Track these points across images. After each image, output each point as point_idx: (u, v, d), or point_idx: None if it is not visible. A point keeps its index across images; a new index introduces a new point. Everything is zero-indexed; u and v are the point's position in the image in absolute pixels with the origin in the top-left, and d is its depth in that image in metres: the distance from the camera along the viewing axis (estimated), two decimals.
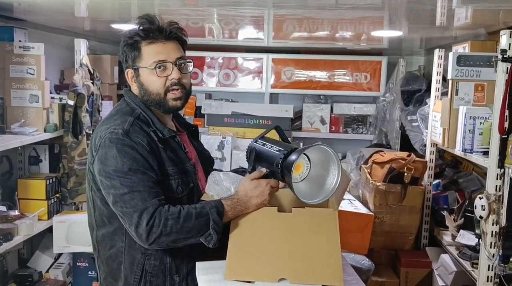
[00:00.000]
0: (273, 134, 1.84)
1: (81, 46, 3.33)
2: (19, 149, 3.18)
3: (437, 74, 3.24)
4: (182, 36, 1.80)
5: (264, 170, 1.72)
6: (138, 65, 1.75)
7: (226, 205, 1.67)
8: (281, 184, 1.74)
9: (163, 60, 1.73)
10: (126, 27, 3.27)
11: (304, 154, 1.66)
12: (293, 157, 1.62)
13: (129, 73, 1.80)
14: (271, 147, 1.73)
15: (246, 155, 1.79)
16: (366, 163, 3.43)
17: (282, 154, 1.65)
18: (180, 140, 1.82)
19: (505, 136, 2.07)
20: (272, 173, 1.71)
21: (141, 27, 1.74)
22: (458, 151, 2.63)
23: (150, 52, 1.73)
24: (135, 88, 1.80)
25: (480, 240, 2.25)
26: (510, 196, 2.13)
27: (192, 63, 1.83)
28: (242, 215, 1.69)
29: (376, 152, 3.45)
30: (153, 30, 1.73)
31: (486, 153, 2.32)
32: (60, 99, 3.21)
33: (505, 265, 2.17)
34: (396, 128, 3.86)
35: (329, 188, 1.70)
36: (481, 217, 2.17)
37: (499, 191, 2.12)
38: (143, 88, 1.77)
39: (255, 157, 1.76)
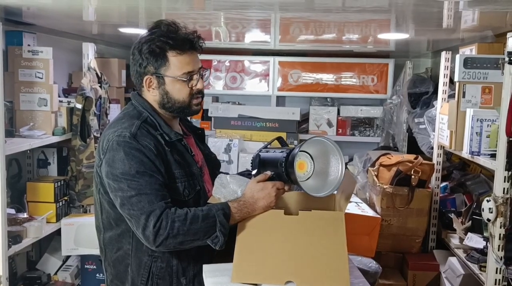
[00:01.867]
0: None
1: (89, 50, 3.36)
2: (28, 152, 3.20)
3: (444, 77, 3.23)
4: (202, 45, 1.81)
5: (269, 173, 1.74)
6: (164, 73, 1.75)
7: (233, 207, 1.68)
8: (286, 187, 1.76)
9: (191, 71, 1.76)
10: (134, 31, 3.30)
11: (306, 151, 1.71)
12: (294, 151, 1.67)
13: (149, 79, 1.77)
14: (274, 151, 1.79)
15: (251, 164, 1.85)
16: (373, 165, 3.42)
17: (285, 153, 1.70)
18: (187, 143, 1.83)
19: None
20: (278, 175, 1.73)
21: (170, 36, 1.72)
22: (465, 154, 2.62)
23: (179, 63, 1.74)
24: (154, 94, 1.78)
25: (488, 243, 2.24)
26: None
27: (209, 72, 1.86)
28: (249, 218, 1.70)
29: (383, 155, 3.44)
30: (183, 40, 1.74)
31: (493, 155, 2.31)
32: (68, 102, 3.24)
33: (508, 268, 2.15)
34: (403, 130, 3.86)
35: (335, 178, 1.72)
36: (488, 220, 2.15)
37: (507, 193, 2.10)
38: (167, 96, 1.77)
39: (260, 163, 1.81)
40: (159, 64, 1.74)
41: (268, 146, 1.89)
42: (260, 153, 1.83)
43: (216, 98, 4.54)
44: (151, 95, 1.79)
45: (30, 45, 3.06)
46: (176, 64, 1.74)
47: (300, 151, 1.69)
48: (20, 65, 2.97)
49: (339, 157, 1.72)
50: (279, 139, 1.97)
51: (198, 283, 1.77)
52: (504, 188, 2.10)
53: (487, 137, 2.48)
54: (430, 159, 3.31)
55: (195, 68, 1.77)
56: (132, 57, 1.79)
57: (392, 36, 3.30)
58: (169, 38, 1.72)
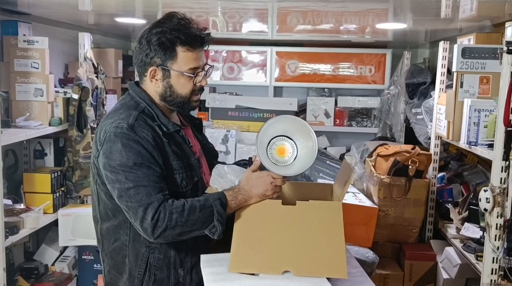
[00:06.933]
0: None
1: (85, 40, 3.33)
2: (24, 142, 3.19)
3: (442, 67, 3.22)
4: (210, 43, 1.80)
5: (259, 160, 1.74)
6: (171, 67, 1.73)
7: (228, 195, 1.68)
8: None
9: (197, 67, 1.75)
10: (130, 20, 3.28)
11: (286, 136, 1.72)
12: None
13: (154, 71, 1.75)
14: None
15: None
16: (370, 156, 3.42)
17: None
18: (185, 134, 1.83)
19: (510, 128, 2.06)
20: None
21: (182, 31, 1.70)
22: (462, 144, 2.63)
23: (187, 59, 1.72)
24: (156, 86, 1.77)
25: (485, 232, 2.25)
26: None
27: (213, 68, 1.86)
28: (246, 208, 1.70)
29: (381, 145, 3.44)
30: (195, 37, 1.72)
31: (491, 146, 2.32)
32: (65, 93, 3.22)
33: (510, 258, 2.16)
34: (400, 121, 3.86)
35: (306, 154, 1.72)
36: (485, 210, 2.16)
37: (504, 183, 2.11)
38: (171, 89, 1.76)
39: None
40: (167, 57, 1.72)
41: None
42: None
43: (213, 89, 4.53)
44: (153, 86, 1.78)
45: (26, 35, 3.04)
46: (184, 59, 1.72)
47: (279, 136, 1.71)
48: (16, 55, 2.95)
49: (311, 133, 1.72)
50: None
51: (195, 274, 1.77)
52: (501, 178, 2.11)
53: (484, 127, 2.48)
54: (428, 149, 3.31)
55: (201, 64, 1.76)
56: (139, 45, 1.75)
57: (390, 26, 3.29)
58: (181, 33, 1.70)
